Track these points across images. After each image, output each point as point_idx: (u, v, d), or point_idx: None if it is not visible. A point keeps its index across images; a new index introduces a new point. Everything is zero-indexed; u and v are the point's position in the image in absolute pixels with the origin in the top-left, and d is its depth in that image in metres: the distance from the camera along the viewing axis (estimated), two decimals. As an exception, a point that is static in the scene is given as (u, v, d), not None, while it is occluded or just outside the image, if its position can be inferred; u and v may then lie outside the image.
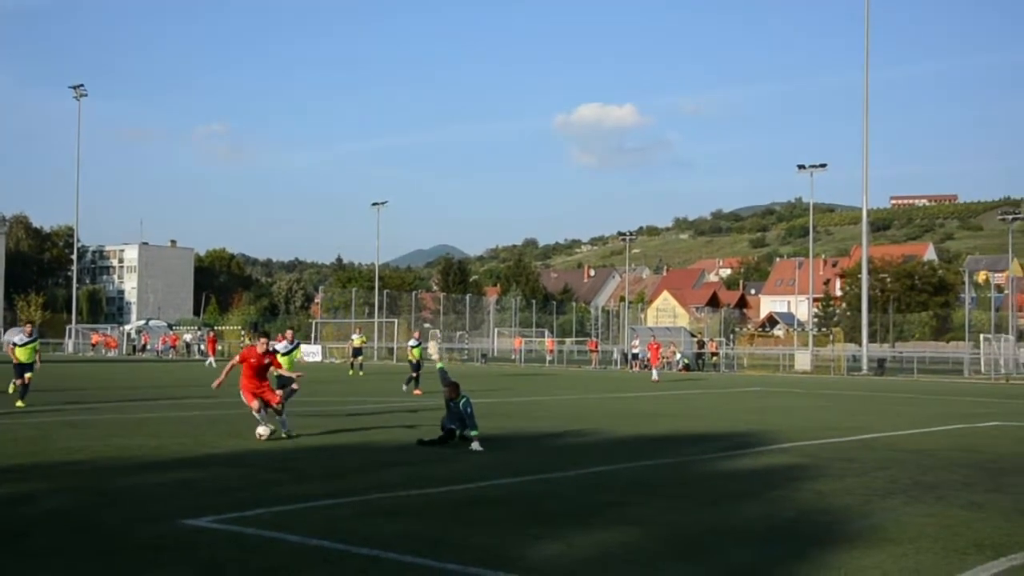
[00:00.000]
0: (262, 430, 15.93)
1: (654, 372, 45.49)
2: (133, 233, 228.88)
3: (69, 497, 10.60)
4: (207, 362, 55.76)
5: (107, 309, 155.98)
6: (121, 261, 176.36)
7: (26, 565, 7.48)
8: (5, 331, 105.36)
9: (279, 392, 16.98)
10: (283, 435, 16.06)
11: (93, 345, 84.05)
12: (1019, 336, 67.76)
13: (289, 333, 23.06)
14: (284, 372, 19.15)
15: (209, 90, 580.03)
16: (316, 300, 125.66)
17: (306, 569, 7.36)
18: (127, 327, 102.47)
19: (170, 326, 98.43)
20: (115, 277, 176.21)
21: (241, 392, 16.32)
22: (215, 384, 16.43)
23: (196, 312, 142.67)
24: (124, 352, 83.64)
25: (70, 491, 10.98)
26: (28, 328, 24.11)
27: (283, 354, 20.92)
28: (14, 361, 22.87)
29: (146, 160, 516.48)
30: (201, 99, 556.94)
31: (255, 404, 16.15)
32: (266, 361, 16.58)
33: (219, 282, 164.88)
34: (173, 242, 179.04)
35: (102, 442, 15.56)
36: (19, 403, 22.04)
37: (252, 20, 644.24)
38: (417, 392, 28.93)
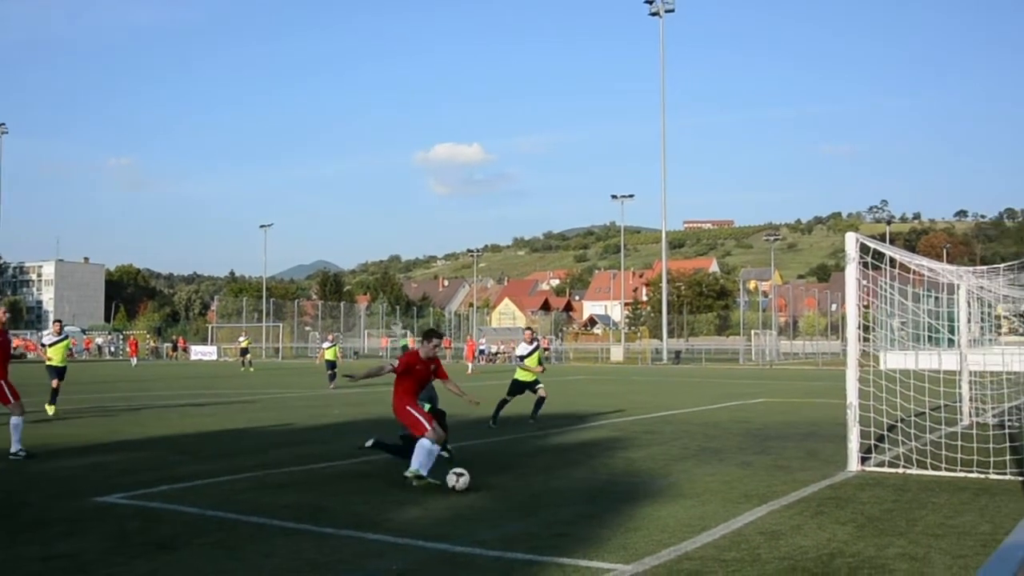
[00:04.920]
0: (459, 481, 9.16)
1: (469, 365, 45.49)
2: (50, 251, 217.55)
3: (-8, 481, 10.00)
4: (132, 363, 54.41)
5: (27, 317, 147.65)
6: (39, 275, 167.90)
7: (-48, 542, 7.04)
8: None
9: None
10: (417, 474, 9.40)
11: (14, 348, 79.62)
12: (779, 331, 70.82)
13: (528, 333, 17.57)
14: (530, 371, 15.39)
15: (117, 127, 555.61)
16: (212, 308, 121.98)
17: (202, 535, 7.14)
18: (44, 333, 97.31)
19: (83, 331, 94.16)
20: (34, 289, 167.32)
21: (395, 408, 9.96)
22: (353, 376, 10.76)
23: (107, 319, 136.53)
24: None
25: (-7, 476, 10.37)
26: (56, 327, 19.81)
27: (526, 356, 16.35)
28: (47, 363, 18.77)
29: (63, 188, 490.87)
30: (111, 135, 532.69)
31: (429, 432, 9.50)
32: (432, 368, 10.15)
33: (127, 293, 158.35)
34: (86, 259, 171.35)
35: (24, 432, 14.70)
36: (49, 409, 17.86)
37: (149, 70, 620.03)
38: (331, 386, 28.28)
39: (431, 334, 10.35)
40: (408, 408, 9.78)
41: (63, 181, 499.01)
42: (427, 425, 9.56)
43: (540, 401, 16.03)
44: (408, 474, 9.40)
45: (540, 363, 16.32)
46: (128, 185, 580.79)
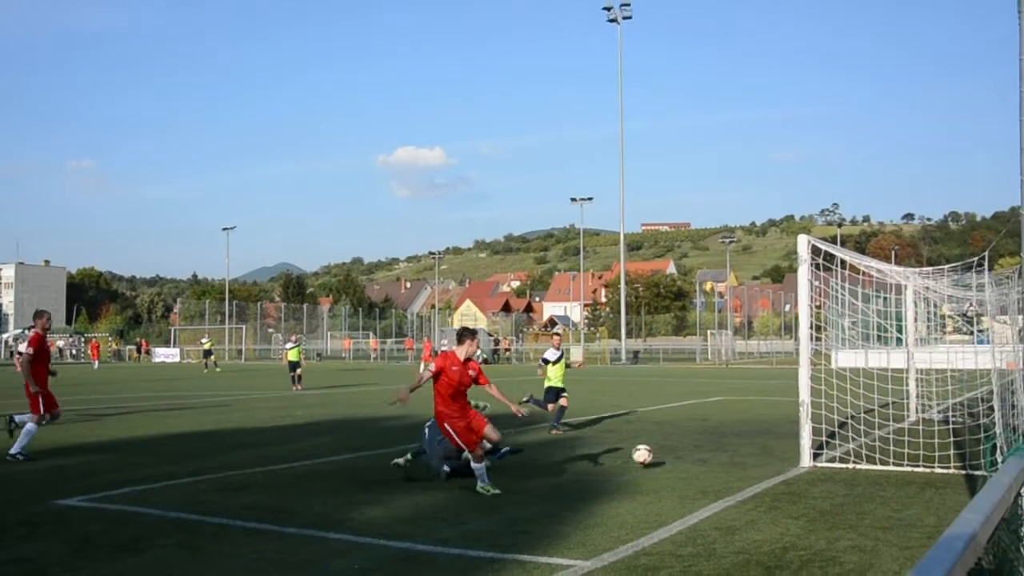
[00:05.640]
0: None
1: (423, 365, 45.47)
2: (10, 254, 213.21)
3: (-50, 486, 9.79)
4: (95, 366, 53.69)
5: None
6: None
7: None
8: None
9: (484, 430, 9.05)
10: (486, 489, 8.88)
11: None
12: (735, 331, 71.56)
13: (556, 339, 17.15)
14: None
15: (80, 131, 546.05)
16: (175, 310, 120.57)
17: (165, 537, 7.05)
18: (5, 335, 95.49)
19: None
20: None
21: (438, 422, 9.21)
22: (398, 399, 9.34)
23: (68, 322, 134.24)
24: (3, 357, 78.05)
25: (-49, 480, 10.14)
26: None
27: (553, 362, 15.96)
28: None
29: (23, 190, 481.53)
30: (73, 138, 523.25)
31: (480, 450, 9.00)
32: (471, 373, 9.26)
33: (89, 296, 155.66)
34: (47, 261, 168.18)
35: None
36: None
37: (112, 73, 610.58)
38: (298, 387, 27.99)
39: (467, 332, 9.51)
40: (447, 427, 9.05)
41: (24, 183, 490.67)
42: (464, 447, 9.10)
43: (562, 410, 15.72)
44: (479, 488, 8.92)
45: (567, 365, 16.08)
46: (90, 188, 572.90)
